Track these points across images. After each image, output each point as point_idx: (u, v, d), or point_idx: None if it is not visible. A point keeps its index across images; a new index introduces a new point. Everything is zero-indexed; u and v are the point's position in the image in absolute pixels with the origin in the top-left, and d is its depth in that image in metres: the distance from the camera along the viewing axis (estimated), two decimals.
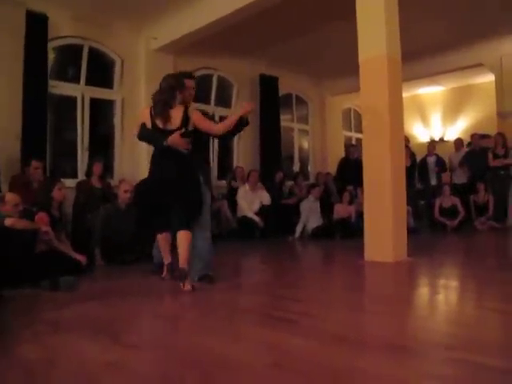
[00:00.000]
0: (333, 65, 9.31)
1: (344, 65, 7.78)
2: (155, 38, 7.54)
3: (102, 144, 7.61)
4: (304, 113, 10.84)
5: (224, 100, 9.15)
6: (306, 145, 10.97)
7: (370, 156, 4.86)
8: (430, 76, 10.29)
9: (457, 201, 8.19)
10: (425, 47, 8.33)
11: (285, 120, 10.16)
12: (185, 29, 6.97)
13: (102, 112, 7.65)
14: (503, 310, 2.93)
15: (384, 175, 4.73)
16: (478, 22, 7.48)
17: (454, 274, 4.47)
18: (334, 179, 9.47)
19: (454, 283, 4.00)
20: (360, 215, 6.29)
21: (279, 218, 7.84)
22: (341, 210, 7.71)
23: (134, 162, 7.47)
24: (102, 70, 7.57)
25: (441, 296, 3.52)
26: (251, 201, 7.67)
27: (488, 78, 9.58)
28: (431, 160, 9.14)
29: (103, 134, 7.74)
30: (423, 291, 3.73)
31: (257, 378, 1.93)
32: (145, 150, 7.43)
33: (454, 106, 11.53)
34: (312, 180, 9.84)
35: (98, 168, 6.29)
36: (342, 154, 10.14)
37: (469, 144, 9.32)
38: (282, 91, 9.67)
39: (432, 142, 9.94)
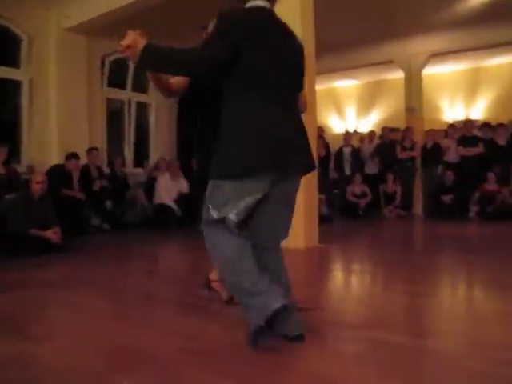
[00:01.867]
0: None
1: None
2: (68, 17, 7.15)
3: (7, 127, 7.15)
4: None
5: (141, 85, 8.90)
6: None
7: None
8: (346, 70, 10.64)
9: (366, 189, 8.60)
10: (341, 42, 8.59)
11: None
12: (100, 9, 6.64)
13: (7, 93, 7.18)
14: (408, 292, 3.14)
15: None
16: (390, 22, 7.83)
17: (363, 258, 4.70)
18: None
19: (362, 267, 4.21)
20: None
21: (196, 206, 7.79)
22: None
23: (43, 146, 7.10)
24: (6, 48, 7.07)
25: (350, 279, 3.69)
26: (170, 189, 7.57)
27: (398, 75, 10.08)
28: (347, 150, 9.48)
29: (8, 116, 7.27)
30: (333, 275, 3.89)
31: (161, 362, 1.94)
32: (55, 134, 7.12)
33: (367, 100, 12.04)
34: None
35: (1, 154, 5.91)
36: None
37: (380, 137, 9.78)
38: None
39: (348, 133, 10.30)
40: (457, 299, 3.14)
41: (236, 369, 1.86)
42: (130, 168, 8.41)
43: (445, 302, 3.00)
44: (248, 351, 2.02)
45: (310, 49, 5.02)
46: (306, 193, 4.89)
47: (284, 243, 4.80)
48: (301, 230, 4.80)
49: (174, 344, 2.16)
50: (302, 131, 2.15)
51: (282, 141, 2.01)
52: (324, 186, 8.41)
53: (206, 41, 2.00)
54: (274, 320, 1.95)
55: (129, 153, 8.58)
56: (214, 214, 2.05)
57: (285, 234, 2.33)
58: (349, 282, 3.62)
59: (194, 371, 1.85)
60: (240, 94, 2.02)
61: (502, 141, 8.16)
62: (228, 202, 2.02)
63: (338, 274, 3.91)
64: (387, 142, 9.17)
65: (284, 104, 2.06)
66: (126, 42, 2.09)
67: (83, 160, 6.90)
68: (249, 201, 2.02)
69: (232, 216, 2.02)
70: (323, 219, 7.57)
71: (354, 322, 2.51)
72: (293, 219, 4.93)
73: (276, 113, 2.02)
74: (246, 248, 2.09)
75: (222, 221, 2.05)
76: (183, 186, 7.71)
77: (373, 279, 3.74)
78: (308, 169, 2.23)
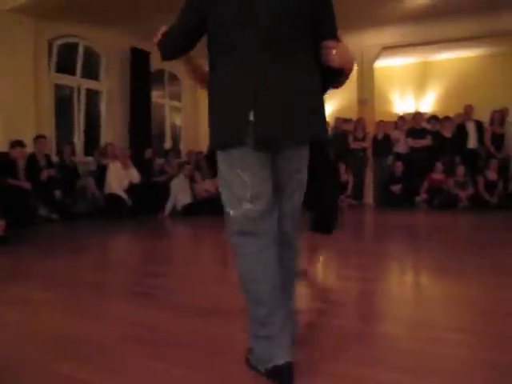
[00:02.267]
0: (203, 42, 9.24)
1: None
2: None
3: None
4: (177, 90, 10.66)
5: (91, 72, 8.63)
6: (178, 122, 10.84)
7: None
8: None
9: None
10: None
11: (156, 96, 9.92)
12: None
13: None
14: (360, 278, 3.21)
15: None
16: (342, 14, 7.85)
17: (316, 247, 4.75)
18: (205, 158, 9.50)
19: (315, 256, 4.25)
20: None
21: (149, 195, 7.70)
22: (201, 188, 7.81)
23: None
24: None
25: (303, 266, 3.74)
26: (121, 178, 7.42)
27: None
28: None
29: None
30: None
31: (108, 351, 1.92)
32: None
33: None
34: (184, 158, 9.77)
35: None
36: None
37: (333, 127, 9.91)
38: (154, 66, 9.39)
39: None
40: (405, 285, 3.25)
41: (186, 356, 1.85)
42: (80, 157, 8.18)
43: (394, 288, 3.10)
44: (199, 339, 2.02)
45: None
46: None
47: None
48: None
49: (121, 332, 2.13)
50: (300, 91, 1.68)
51: (255, 107, 1.62)
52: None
53: (178, 16, 1.82)
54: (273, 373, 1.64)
55: (79, 141, 8.34)
56: (231, 212, 1.75)
57: (287, 225, 1.86)
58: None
59: (142, 359, 1.83)
60: (212, 62, 1.78)
61: (447, 133, 8.45)
62: (231, 188, 1.72)
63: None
64: (340, 133, 9.31)
65: (266, 60, 1.66)
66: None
67: (30, 148, 6.65)
68: (245, 177, 1.69)
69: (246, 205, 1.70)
70: None
71: (310, 308, 2.54)
72: None
73: (246, 74, 1.66)
74: (263, 263, 1.71)
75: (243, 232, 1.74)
76: (134, 175, 7.58)
77: (325, 267, 3.80)
78: (301, 139, 1.72)
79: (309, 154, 1.82)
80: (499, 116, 8.64)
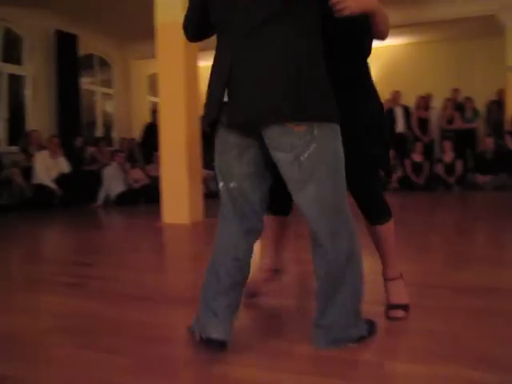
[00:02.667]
0: (136, 27, 9.01)
1: (148, 28, 7.61)
2: None
3: None
4: (107, 76, 10.36)
5: (13, 56, 8.20)
6: (109, 109, 10.55)
7: (166, 121, 4.95)
8: None
9: None
10: None
11: (86, 83, 9.59)
12: None
13: None
14: (298, 260, 3.31)
15: (179, 140, 4.86)
16: None
17: None
18: (140, 145, 9.35)
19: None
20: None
21: (80, 185, 7.48)
22: (135, 175, 7.72)
23: None
24: None
25: None
26: (50, 168, 7.16)
27: None
28: None
29: None
30: None
31: (31, 343, 1.89)
32: None
33: None
34: (116, 146, 9.55)
35: None
36: (148, 120, 10.02)
37: None
38: (82, 51, 9.06)
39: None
40: None
41: (116, 343, 1.86)
42: (3, 146, 7.79)
43: None
44: (129, 326, 2.03)
45: None
46: (190, 167, 4.91)
47: (169, 219, 4.89)
48: (186, 205, 4.84)
49: (50, 324, 2.10)
50: (259, 70, 1.55)
51: (229, 86, 1.58)
52: (212, 162, 8.47)
53: None
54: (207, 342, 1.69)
55: (2, 130, 7.93)
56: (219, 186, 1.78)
57: (310, 223, 1.68)
58: None
59: (69, 348, 1.82)
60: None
61: None
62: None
63: None
64: None
65: (245, 41, 1.58)
66: None
67: None
68: (218, 157, 1.76)
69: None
70: (211, 195, 7.66)
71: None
72: (176, 194, 4.91)
73: (226, 55, 1.62)
74: (228, 239, 1.76)
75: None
76: (64, 165, 7.34)
77: (259, 248, 3.88)
78: (276, 118, 1.55)
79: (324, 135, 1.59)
80: (424, 101, 9.08)
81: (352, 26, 1.75)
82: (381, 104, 2.07)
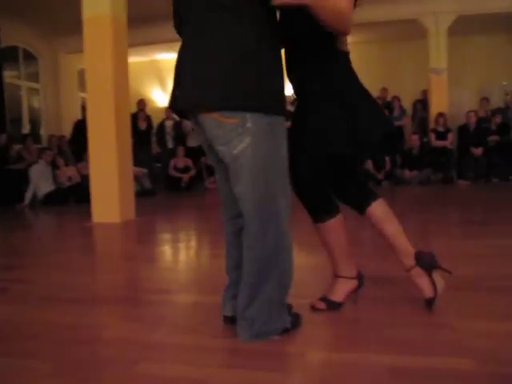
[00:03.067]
0: (65, 19, 8.68)
1: (77, 21, 7.35)
2: None
3: None
4: (34, 70, 9.90)
5: None
6: (36, 105, 10.09)
7: (95, 118, 4.80)
8: (167, 42, 10.52)
9: (189, 161, 8.75)
10: (160, 13, 8.43)
11: (10, 76, 9.12)
12: None
13: None
14: (216, 255, 3.31)
15: (108, 137, 4.74)
16: None
17: (180, 228, 4.80)
18: (70, 142, 9.02)
19: (177, 236, 4.30)
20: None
21: (6, 184, 7.13)
22: (63, 174, 7.46)
23: None
24: None
25: (163, 248, 3.76)
26: None
27: None
28: (169, 124, 9.46)
29: None
30: (147, 246, 3.91)
31: None
32: None
33: None
34: (44, 143, 9.17)
35: None
36: (79, 116, 9.69)
37: None
38: (4, 42, 8.59)
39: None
40: None
41: (36, 347, 1.79)
42: None
43: None
44: (50, 329, 1.96)
45: (122, 18, 4.87)
46: (121, 165, 4.81)
47: (99, 218, 4.76)
48: (116, 204, 4.74)
49: None
50: (195, 57, 1.57)
51: (177, 74, 1.66)
52: (146, 160, 8.33)
53: None
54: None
55: None
56: None
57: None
58: (163, 251, 3.68)
59: None
60: None
61: None
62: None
63: (153, 244, 3.95)
64: None
65: (190, 29, 1.62)
66: None
67: None
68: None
69: None
70: (145, 193, 7.54)
71: (163, 287, 2.58)
72: (106, 193, 4.79)
73: (183, 42, 1.67)
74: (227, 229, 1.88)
75: None
76: None
77: (186, 246, 3.86)
78: (185, 105, 1.61)
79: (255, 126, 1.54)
80: None
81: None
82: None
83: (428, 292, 1.96)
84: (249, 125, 1.52)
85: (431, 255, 1.97)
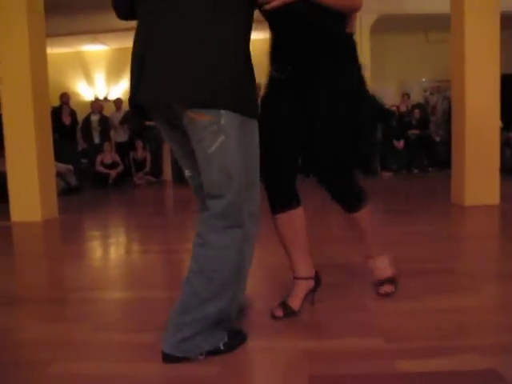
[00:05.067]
0: None
1: None
2: None
3: None
4: None
5: None
6: None
7: (11, 112, 4.57)
8: (93, 33, 10.16)
9: (117, 157, 8.52)
10: (85, 1, 8.13)
11: None
12: None
13: None
14: (145, 251, 3.25)
15: (27, 131, 4.53)
16: None
17: (106, 225, 4.67)
18: None
19: (103, 233, 4.19)
20: None
21: None
22: None
23: None
24: None
25: (88, 246, 3.66)
26: None
27: None
28: (95, 118, 9.16)
29: None
30: (71, 244, 3.78)
31: None
32: None
33: (116, 67, 11.77)
34: None
35: None
36: None
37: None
38: None
39: (97, 101, 9.94)
40: None
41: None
42: None
43: None
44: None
45: (38, 6, 4.65)
46: (42, 161, 4.61)
47: (19, 217, 4.54)
48: (37, 202, 4.54)
49: None
50: (166, 47, 1.45)
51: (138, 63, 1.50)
52: (72, 156, 8.02)
53: None
54: None
55: None
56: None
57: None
58: (88, 248, 3.57)
59: None
60: None
61: None
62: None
63: (77, 242, 3.82)
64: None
65: (155, 10, 1.48)
66: None
67: None
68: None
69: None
70: (71, 190, 7.26)
71: (93, 285, 2.51)
72: (26, 190, 4.57)
73: (142, 31, 1.54)
74: None
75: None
76: None
77: (115, 242, 3.77)
78: (152, 99, 1.49)
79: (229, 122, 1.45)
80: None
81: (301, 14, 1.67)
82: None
83: (389, 270, 2.12)
84: (223, 122, 1.43)
85: None
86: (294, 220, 1.91)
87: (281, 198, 1.90)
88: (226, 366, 1.51)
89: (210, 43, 1.43)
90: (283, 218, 1.90)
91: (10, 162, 4.63)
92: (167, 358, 1.51)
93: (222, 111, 1.43)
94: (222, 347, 1.56)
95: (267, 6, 1.51)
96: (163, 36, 1.45)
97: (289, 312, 1.88)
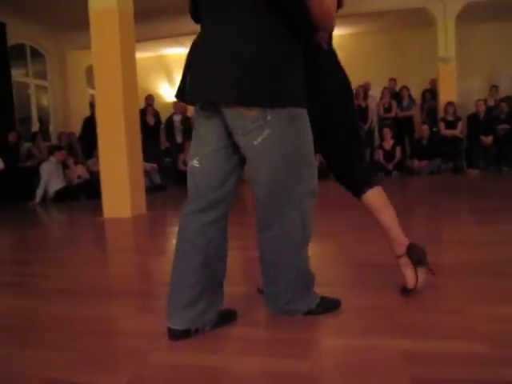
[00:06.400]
0: (72, 15, 8.65)
1: (84, 16, 7.36)
2: None
3: None
4: (42, 67, 9.93)
5: None
6: (45, 103, 10.13)
7: (104, 114, 4.83)
8: (174, 36, 10.51)
9: None
10: (167, 7, 8.42)
11: (18, 74, 9.14)
12: None
13: None
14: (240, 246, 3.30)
15: (118, 133, 4.76)
16: None
17: None
18: (79, 139, 9.08)
19: None
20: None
21: (17, 182, 7.19)
22: (73, 173, 7.50)
23: None
24: None
25: (172, 241, 3.78)
26: None
27: None
28: (177, 119, 9.47)
29: None
30: (159, 239, 3.94)
31: None
32: None
33: None
34: (54, 141, 9.22)
35: None
36: (88, 113, 9.74)
37: None
38: (11, 41, 8.60)
39: (178, 102, 10.26)
40: None
41: (51, 339, 1.82)
42: None
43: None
44: (66, 322, 1.99)
45: (128, 10, 4.87)
46: (131, 161, 4.84)
47: (110, 213, 4.80)
48: (127, 199, 4.77)
49: None
50: (219, 49, 1.58)
51: (189, 65, 1.67)
52: (156, 155, 8.36)
53: None
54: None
55: None
56: None
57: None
58: (174, 245, 3.70)
59: (5, 348, 1.76)
60: None
61: None
62: None
63: (164, 238, 3.97)
64: None
65: (211, 17, 1.64)
66: None
67: None
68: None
69: None
70: (156, 188, 7.58)
71: None
72: (117, 188, 4.81)
73: (201, 33, 1.68)
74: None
75: None
76: None
77: None
78: (205, 97, 1.62)
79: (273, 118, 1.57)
80: (363, 90, 9.32)
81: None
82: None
83: (409, 282, 2.02)
84: (269, 117, 1.56)
85: (423, 251, 2.00)
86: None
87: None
88: (322, 364, 1.50)
89: (252, 42, 1.54)
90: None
91: (103, 162, 4.91)
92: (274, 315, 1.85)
93: (268, 108, 1.55)
94: (314, 307, 1.84)
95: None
96: (211, 36, 1.61)
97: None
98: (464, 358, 1.48)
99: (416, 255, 1.99)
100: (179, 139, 9.36)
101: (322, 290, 1.97)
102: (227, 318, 1.83)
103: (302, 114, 1.65)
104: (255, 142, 1.58)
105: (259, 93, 1.54)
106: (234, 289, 2.37)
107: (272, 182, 1.66)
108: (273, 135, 1.58)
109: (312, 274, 1.86)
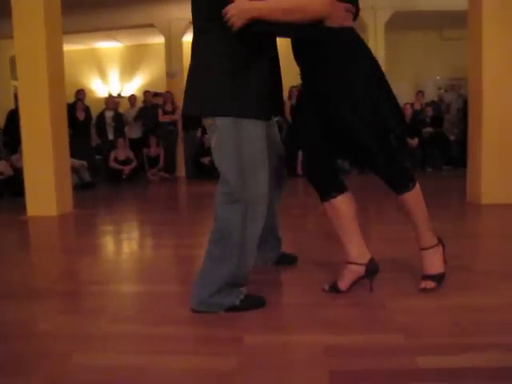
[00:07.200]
0: None
1: (6, 1, 6.97)
2: None
3: None
4: None
5: None
6: None
7: (28, 107, 4.61)
8: (107, 30, 10.22)
9: (130, 153, 8.55)
10: (100, 0, 8.18)
11: None
12: None
13: None
14: (158, 245, 3.27)
15: (43, 127, 4.56)
16: None
17: (120, 220, 4.69)
18: (2, 133, 8.60)
19: (117, 228, 4.21)
20: None
21: None
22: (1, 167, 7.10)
23: None
24: None
25: (102, 240, 3.68)
26: None
27: (160, 40, 10.13)
28: (109, 115, 9.20)
29: None
30: (86, 238, 3.81)
31: None
32: None
33: (130, 63, 11.82)
34: None
35: None
36: (12, 106, 9.25)
37: (143, 101, 9.75)
38: None
39: (111, 97, 9.98)
40: None
41: None
42: None
43: None
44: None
45: (54, 2, 4.67)
46: (57, 156, 4.65)
47: (35, 211, 4.58)
48: (52, 197, 4.58)
49: None
50: (191, 69, 1.94)
51: None
52: (86, 152, 8.07)
53: None
54: None
55: None
56: None
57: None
58: (99, 243, 3.59)
59: None
60: None
61: None
62: None
63: (90, 236, 3.85)
64: (149, 106, 9.22)
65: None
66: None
67: None
68: None
69: None
70: (85, 186, 7.31)
71: (99, 278, 2.53)
72: (43, 185, 4.61)
73: None
74: None
75: None
76: None
77: (127, 238, 3.79)
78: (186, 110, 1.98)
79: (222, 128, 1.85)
80: (296, 91, 9.46)
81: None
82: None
83: (438, 268, 2.10)
84: (217, 123, 1.85)
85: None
86: (339, 207, 2.05)
87: (320, 189, 2.08)
88: (245, 360, 1.51)
89: (203, 63, 1.88)
90: (328, 205, 2.07)
91: (27, 158, 4.68)
92: (195, 312, 1.88)
93: (217, 116, 1.85)
94: (238, 303, 1.89)
95: (233, 28, 1.75)
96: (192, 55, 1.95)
97: (334, 288, 2.04)
98: (381, 349, 1.54)
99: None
100: (111, 136, 9.08)
101: (246, 287, 1.99)
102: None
103: (251, 123, 1.85)
104: (212, 145, 1.90)
105: (209, 106, 1.86)
106: (158, 288, 2.34)
107: (223, 184, 1.88)
108: (219, 139, 1.86)
109: (243, 275, 1.93)
